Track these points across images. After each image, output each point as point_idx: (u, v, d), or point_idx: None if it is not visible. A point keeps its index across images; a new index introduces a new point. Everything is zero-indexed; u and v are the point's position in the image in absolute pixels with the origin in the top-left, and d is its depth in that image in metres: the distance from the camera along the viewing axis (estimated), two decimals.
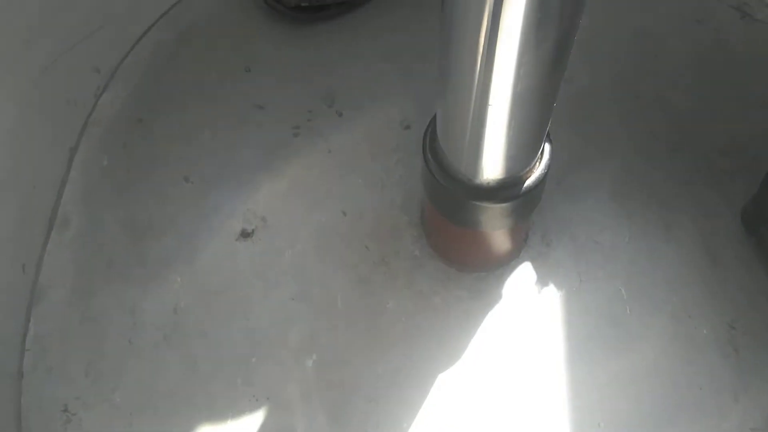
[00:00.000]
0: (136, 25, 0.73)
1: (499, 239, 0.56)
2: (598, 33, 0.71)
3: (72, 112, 0.67)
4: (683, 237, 0.60)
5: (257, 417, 0.55)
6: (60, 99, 0.65)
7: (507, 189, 0.47)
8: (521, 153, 0.45)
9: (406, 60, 0.71)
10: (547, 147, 0.48)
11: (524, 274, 0.60)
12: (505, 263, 0.60)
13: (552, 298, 0.59)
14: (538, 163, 0.47)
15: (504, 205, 0.47)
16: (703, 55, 0.70)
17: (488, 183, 0.46)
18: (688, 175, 0.63)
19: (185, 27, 0.74)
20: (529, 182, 0.47)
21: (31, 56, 0.60)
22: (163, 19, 0.75)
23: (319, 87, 0.69)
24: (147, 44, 0.73)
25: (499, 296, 0.59)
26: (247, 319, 0.58)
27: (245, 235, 0.62)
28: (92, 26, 0.66)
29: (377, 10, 0.74)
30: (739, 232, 0.60)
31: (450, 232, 0.56)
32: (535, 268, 0.60)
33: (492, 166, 0.45)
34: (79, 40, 0.65)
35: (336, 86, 0.69)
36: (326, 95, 0.69)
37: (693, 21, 0.72)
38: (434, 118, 0.48)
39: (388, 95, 0.69)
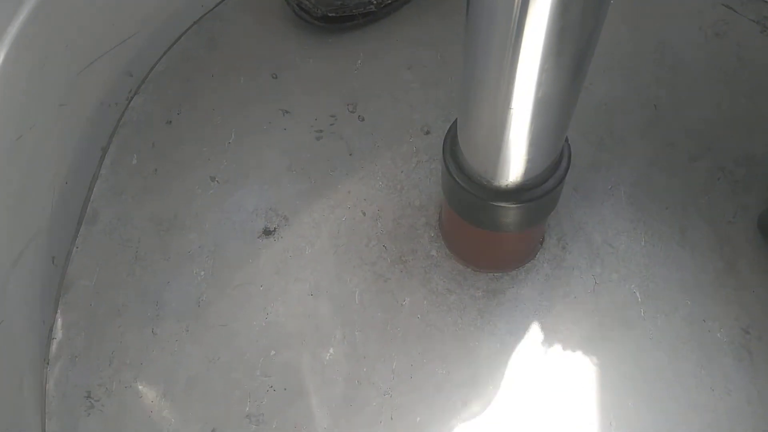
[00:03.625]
0: (168, 33, 0.76)
1: (516, 241, 0.57)
2: (619, 45, 0.72)
3: (105, 113, 0.69)
4: (699, 242, 0.61)
5: (274, 407, 0.56)
6: (94, 100, 0.68)
7: (525, 191, 0.47)
8: (540, 157, 0.45)
9: (428, 69, 0.73)
10: (565, 151, 0.49)
11: (539, 275, 0.60)
12: (520, 264, 0.61)
13: (566, 299, 0.59)
14: (556, 167, 0.48)
15: (521, 206, 0.48)
16: (722, 68, 0.70)
17: (507, 185, 0.47)
18: (704, 184, 0.64)
19: (215, 35, 0.77)
20: (546, 185, 0.48)
21: (71, 58, 0.63)
22: (194, 27, 0.77)
23: (342, 93, 0.71)
24: (178, 51, 0.76)
25: (514, 296, 0.59)
26: (267, 313, 0.60)
27: (267, 232, 0.64)
28: (127, 33, 0.69)
29: (402, 21, 0.76)
30: (755, 239, 0.60)
31: (467, 233, 0.57)
32: (551, 269, 0.60)
33: (511, 169, 0.46)
34: (114, 46, 0.68)
35: (359, 93, 0.71)
36: (349, 101, 0.71)
37: (713, 34, 0.73)
38: (455, 122, 0.49)
39: (409, 102, 0.70)
